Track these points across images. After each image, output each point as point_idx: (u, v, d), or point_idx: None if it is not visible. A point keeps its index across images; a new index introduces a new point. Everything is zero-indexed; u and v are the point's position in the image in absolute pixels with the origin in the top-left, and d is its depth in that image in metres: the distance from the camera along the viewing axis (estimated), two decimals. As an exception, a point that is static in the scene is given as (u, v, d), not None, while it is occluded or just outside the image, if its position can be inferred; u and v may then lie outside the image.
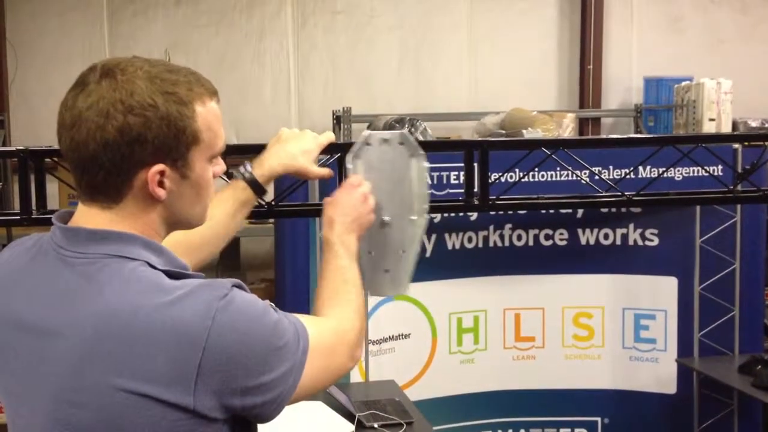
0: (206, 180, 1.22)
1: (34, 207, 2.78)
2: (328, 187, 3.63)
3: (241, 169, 1.69)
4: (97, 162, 1.13)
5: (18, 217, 2.75)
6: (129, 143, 1.12)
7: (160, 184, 1.16)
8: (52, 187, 3.33)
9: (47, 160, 2.88)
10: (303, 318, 1.32)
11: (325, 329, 1.36)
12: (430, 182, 1.90)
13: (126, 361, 1.08)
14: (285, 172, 1.74)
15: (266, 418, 1.23)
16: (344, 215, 1.66)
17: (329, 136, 1.85)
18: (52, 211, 2.98)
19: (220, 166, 1.26)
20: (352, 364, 1.39)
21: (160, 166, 1.14)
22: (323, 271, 1.54)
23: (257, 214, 2.45)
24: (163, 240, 1.23)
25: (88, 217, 1.18)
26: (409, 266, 1.86)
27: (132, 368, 1.08)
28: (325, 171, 1.86)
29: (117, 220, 1.17)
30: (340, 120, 4.94)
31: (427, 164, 1.87)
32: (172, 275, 1.15)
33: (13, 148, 2.78)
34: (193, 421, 1.10)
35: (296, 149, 1.75)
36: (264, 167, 1.70)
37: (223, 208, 1.63)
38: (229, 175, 1.69)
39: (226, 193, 1.67)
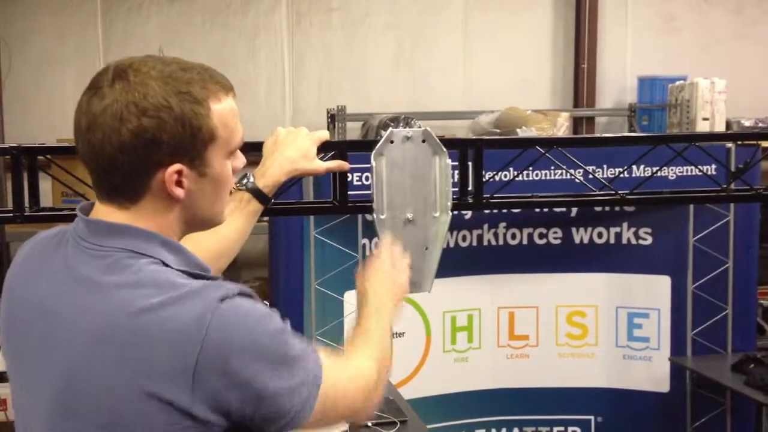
0: (225, 176, 1.22)
1: (27, 204, 2.77)
2: (324, 186, 3.64)
3: (244, 180, 1.68)
4: (114, 165, 1.13)
5: (11, 215, 2.75)
6: (144, 145, 1.12)
7: (179, 183, 1.16)
8: (45, 184, 3.33)
9: (40, 157, 2.87)
10: (321, 351, 1.27)
11: (342, 366, 1.32)
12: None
13: (128, 356, 1.09)
14: (289, 177, 1.74)
15: None
16: (378, 289, 1.65)
17: (324, 134, 1.84)
18: (45, 209, 2.98)
19: (240, 159, 1.26)
20: (364, 412, 1.36)
21: (177, 166, 1.15)
22: (353, 332, 1.51)
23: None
24: (183, 236, 1.24)
25: (106, 214, 1.18)
26: (433, 264, 1.87)
27: (133, 364, 1.08)
28: (332, 164, 1.84)
29: (134, 219, 1.17)
30: (334, 119, 4.93)
31: (449, 161, 1.87)
32: (187, 275, 1.15)
33: (6, 146, 2.78)
34: (190, 424, 1.09)
35: (295, 153, 1.74)
36: (267, 177, 1.70)
37: (233, 224, 1.63)
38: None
39: (232, 206, 1.64)
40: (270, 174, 1.70)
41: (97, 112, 1.12)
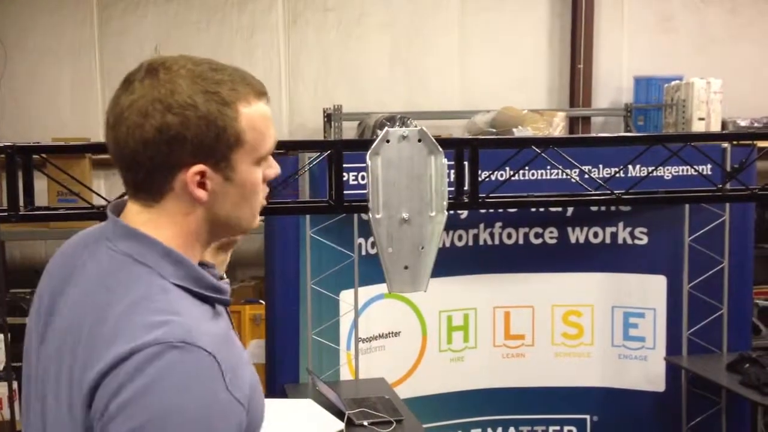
0: (252, 182, 1.18)
1: (22, 203, 2.77)
2: (320, 185, 3.64)
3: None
4: (137, 160, 1.12)
5: (5, 214, 2.74)
6: (167, 142, 1.10)
7: (202, 185, 1.14)
8: (41, 183, 3.32)
9: (35, 156, 2.87)
10: None
11: None
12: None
13: (87, 362, 1.08)
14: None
15: None
16: None
17: None
18: (40, 208, 2.97)
19: (273, 168, 1.22)
20: None
21: (199, 167, 1.12)
22: None
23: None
24: (208, 244, 1.21)
25: (131, 214, 1.18)
26: (429, 263, 1.87)
27: (81, 368, 1.08)
28: None
29: (155, 219, 1.16)
30: (330, 118, 4.93)
31: (445, 161, 1.87)
32: (184, 290, 1.13)
33: (1, 144, 2.77)
34: None
35: None
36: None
37: None
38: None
39: None
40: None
41: (125, 107, 1.12)
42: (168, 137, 1.10)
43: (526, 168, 3.65)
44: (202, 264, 1.26)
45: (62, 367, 1.12)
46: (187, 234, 1.17)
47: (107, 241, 1.17)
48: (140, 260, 1.13)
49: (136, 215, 1.17)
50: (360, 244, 3.88)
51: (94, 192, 3.14)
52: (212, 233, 1.20)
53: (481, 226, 4.16)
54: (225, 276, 1.47)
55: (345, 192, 2.95)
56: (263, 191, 1.22)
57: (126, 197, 1.22)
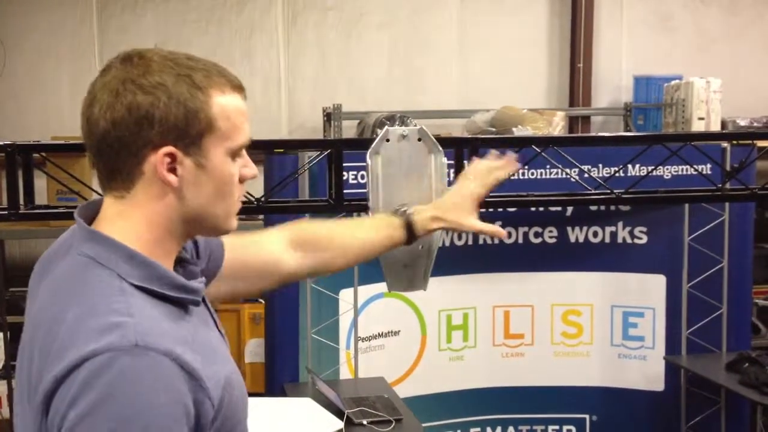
0: (227, 174, 1.16)
1: (21, 202, 2.77)
2: (319, 184, 3.63)
3: (403, 208, 1.63)
4: (107, 142, 1.11)
5: (5, 212, 2.74)
6: (137, 121, 1.09)
7: (172, 170, 1.12)
8: (40, 182, 3.32)
9: (35, 155, 2.87)
10: None
11: None
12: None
13: (43, 368, 1.07)
14: (436, 227, 1.64)
15: None
16: None
17: (479, 191, 1.68)
18: (40, 207, 2.97)
19: (250, 169, 1.20)
20: None
21: (169, 149, 1.11)
22: None
23: (246, 210, 2.45)
24: (183, 238, 1.19)
25: (104, 208, 1.17)
26: (429, 262, 1.87)
27: (38, 373, 1.07)
28: (486, 227, 1.69)
29: (127, 210, 1.14)
30: (330, 117, 4.93)
31: (445, 160, 1.87)
32: (145, 292, 1.11)
33: (1, 143, 2.77)
34: None
35: (448, 203, 1.66)
36: (421, 216, 1.62)
37: (372, 235, 1.60)
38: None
39: (380, 222, 1.62)
40: (423, 218, 1.62)
41: (98, 89, 1.12)
42: (137, 117, 1.09)
43: (526, 167, 3.65)
44: (182, 259, 1.24)
45: (23, 371, 1.12)
46: (158, 225, 1.15)
47: (76, 244, 1.16)
48: (100, 262, 1.11)
49: (107, 208, 1.17)
50: (359, 244, 3.87)
51: (93, 190, 3.14)
52: (188, 226, 1.18)
53: (481, 225, 4.15)
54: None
55: (345, 191, 2.96)
56: (239, 190, 1.20)
57: (94, 200, 1.21)
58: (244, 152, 1.20)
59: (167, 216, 1.15)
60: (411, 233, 1.60)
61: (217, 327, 1.27)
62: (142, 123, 1.10)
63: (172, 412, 1.03)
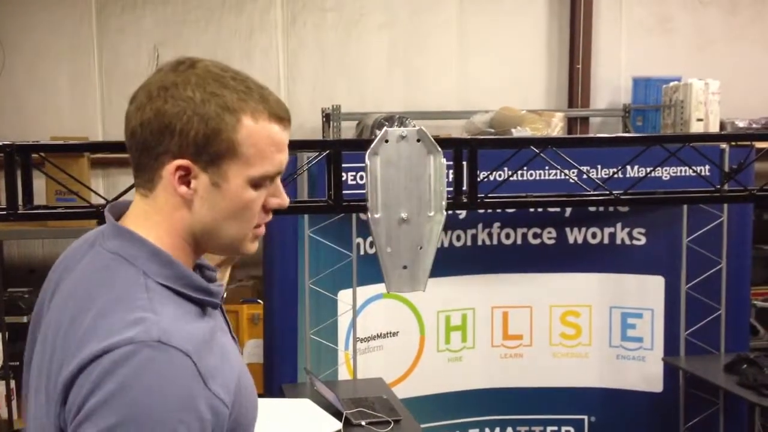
0: (243, 201, 1.15)
1: (20, 202, 2.77)
2: (318, 185, 3.64)
3: None
4: (135, 139, 1.14)
5: (4, 212, 2.74)
6: (160, 128, 1.12)
7: (185, 182, 1.13)
8: (39, 182, 3.32)
9: (34, 155, 2.87)
10: None
11: None
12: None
13: (64, 358, 1.08)
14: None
15: None
16: None
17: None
18: (39, 207, 2.97)
19: (279, 199, 1.20)
20: None
21: (181, 162, 1.12)
22: None
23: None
24: (199, 250, 1.20)
25: (133, 203, 1.20)
26: (428, 263, 1.87)
27: (58, 364, 1.08)
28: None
29: (150, 211, 1.17)
30: (329, 118, 4.93)
31: (444, 161, 1.88)
32: (170, 290, 1.12)
33: (0, 143, 2.77)
34: None
35: None
36: None
37: None
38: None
39: None
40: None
41: (142, 87, 1.16)
42: (161, 124, 1.12)
43: (525, 168, 3.65)
44: (200, 265, 1.26)
45: (44, 362, 1.13)
46: (176, 233, 1.16)
47: (101, 239, 1.18)
48: (127, 258, 1.13)
49: (135, 206, 1.19)
50: (358, 244, 3.88)
51: (92, 191, 3.14)
52: (199, 239, 1.18)
53: (480, 226, 4.16)
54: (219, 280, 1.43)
55: (344, 192, 2.96)
56: (261, 217, 1.19)
57: (124, 201, 1.23)
58: (277, 180, 1.19)
59: (182, 225, 1.17)
60: None
61: (231, 332, 1.28)
62: (164, 131, 1.12)
63: (184, 408, 1.04)
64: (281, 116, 1.17)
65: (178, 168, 1.13)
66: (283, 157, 1.18)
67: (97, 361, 1.03)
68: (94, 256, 1.17)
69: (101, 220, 1.23)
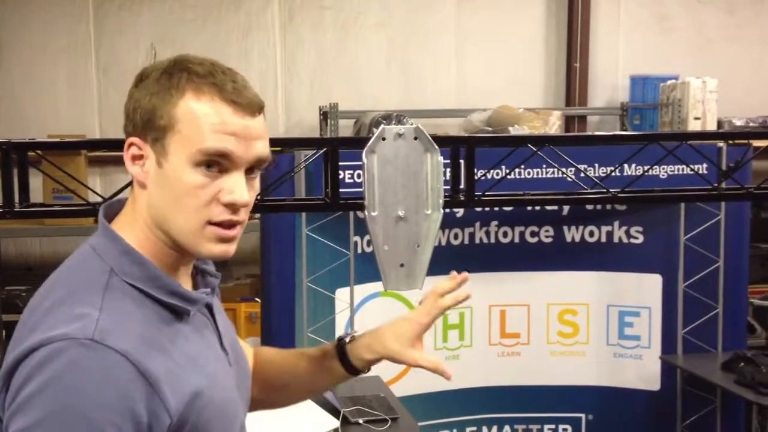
0: (186, 183, 1.10)
1: (17, 200, 2.76)
2: (316, 183, 3.63)
3: (345, 335, 1.49)
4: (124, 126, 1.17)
5: (1, 210, 2.73)
6: (125, 114, 1.15)
7: (140, 164, 1.13)
8: (36, 180, 3.31)
9: (31, 153, 2.86)
10: None
11: None
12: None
13: (14, 347, 1.09)
14: (377, 357, 1.46)
15: None
16: None
17: (421, 318, 1.51)
18: (35, 205, 2.96)
19: (227, 193, 1.11)
20: None
21: (133, 138, 1.14)
22: None
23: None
24: (174, 251, 1.15)
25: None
26: (425, 261, 1.87)
27: (9, 352, 1.09)
28: (427, 363, 1.47)
29: (129, 209, 1.18)
30: (326, 116, 4.92)
31: (441, 159, 1.88)
32: (137, 290, 1.11)
33: (-3, 141, 2.76)
34: None
35: (388, 333, 1.47)
36: (357, 347, 1.45)
37: (316, 373, 1.48)
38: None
39: (323, 356, 1.47)
40: (359, 345, 1.46)
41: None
42: (126, 110, 1.15)
43: (522, 166, 3.65)
44: (202, 270, 1.25)
45: None
46: (147, 228, 1.15)
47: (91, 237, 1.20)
48: (98, 254, 1.14)
49: (126, 203, 1.20)
50: (356, 242, 3.88)
51: (89, 189, 3.13)
52: (159, 229, 1.14)
53: (477, 224, 4.16)
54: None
55: (341, 190, 2.95)
56: (217, 212, 1.11)
57: (120, 198, 1.23)
58: (238, 174, 1.12)
59: (148, 217, 1.15)
60: (349, 365, 1.45)
61: (221, 343, 1.24)
62: (127, 115, 1.15)
63: (115, 410, 1.02)
64: (236, 101, 1.11)
65: (130, 145, 1.13)
66: (233, 144, 1.10)
67: (33, 354, 1.03)
68: (76, 252, 1.18)
69: (98, 219, 1.23)
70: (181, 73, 1.13)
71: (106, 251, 1.13)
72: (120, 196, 1.25)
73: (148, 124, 1.12)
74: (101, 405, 1.01)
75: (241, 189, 1.12)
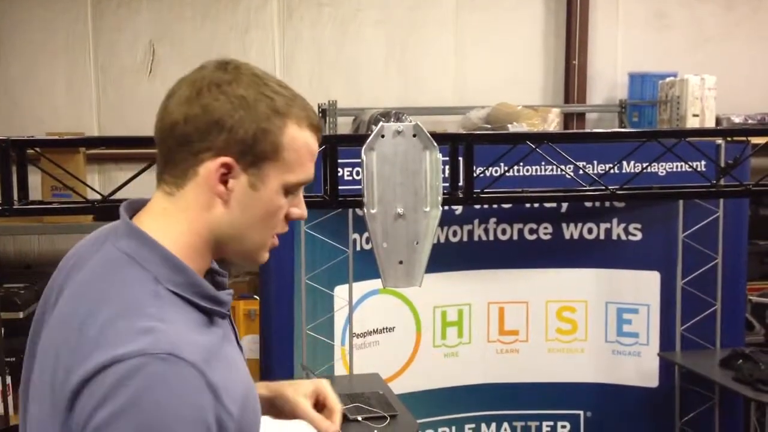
0: (275, 206, 1.15)
1: (16, 197, 2.76)
2: (314, 180, 3.63)
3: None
4: (173, 133, 1.12)
5: (0, 208, 2.73)
6: (208, 124, 1.10)
7: (224, 181, 1.11)
8: (35, 178, 3.31)
9: (29, 150, 2.86)
10: None
11: None
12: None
13: (72, 365, 1.05)
14: (271, 394, 1.43)
15: None
16: None
17: (320, 388, 1.51)
18: (34, 202, 2.96)
19: (300, 209, 1.19)
20: None
21: (227, 159, 1.10)
22: None
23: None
24: (217, 253, 1.17)
25: (153, 200, 1.17)
26: (424, 258, 1.88)
27: (65, 371, 1.05)
28: (314, 418, 1.46)
29: (172, 209, 1.14)
30: (325, 113, 4.93)
31: (440, 156, 1.88)
32: (179, 297, 1.10)
33: (-5, 139, 2.76)
34: None
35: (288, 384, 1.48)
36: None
37: None
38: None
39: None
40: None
41: (183, 83, 1.14)
42: (210, 119, 1.10)
43: (521, 164, 3.65)
44: (212, 270, 1.24)
45: (47, 366, 1.10)
46: (197, 233, 1.14)
47: (113, 237, 1.15)
48: (138, 261, 1.10)
49: (155, 203, 1.16)
50: (354, 240, 3.88)
51: (88, 186, 3.14)
52: (221, 243, 1.16)
53: (476, 221, 4.16)
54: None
55: (340, 187, 2.95)
56: (282, 227, 1.19)
57: (141, 198, 1.20)
58: (300, 191, 1.19)
59: (208, 227, 1.14)
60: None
61: (237, 341, 1.25)
62: (212, 127, 1.10)
63: (195, 423, 1.02)
64: (318, 126, 1.17)
65: (222, 165, 1.10)
66: (313, 168, 1.18)
67: (105, 372, 1.00)
68: (104, 255, 1.13)
69: (96, 216, 1.22)
70: (273, 93, 1.12)
71: (146, 259, 1.10)
72: (118, 194, 1.24)
73: (251, 148, 1.11)
74: (182, 419, 1.01)
75: (303, 205, 1.21)
